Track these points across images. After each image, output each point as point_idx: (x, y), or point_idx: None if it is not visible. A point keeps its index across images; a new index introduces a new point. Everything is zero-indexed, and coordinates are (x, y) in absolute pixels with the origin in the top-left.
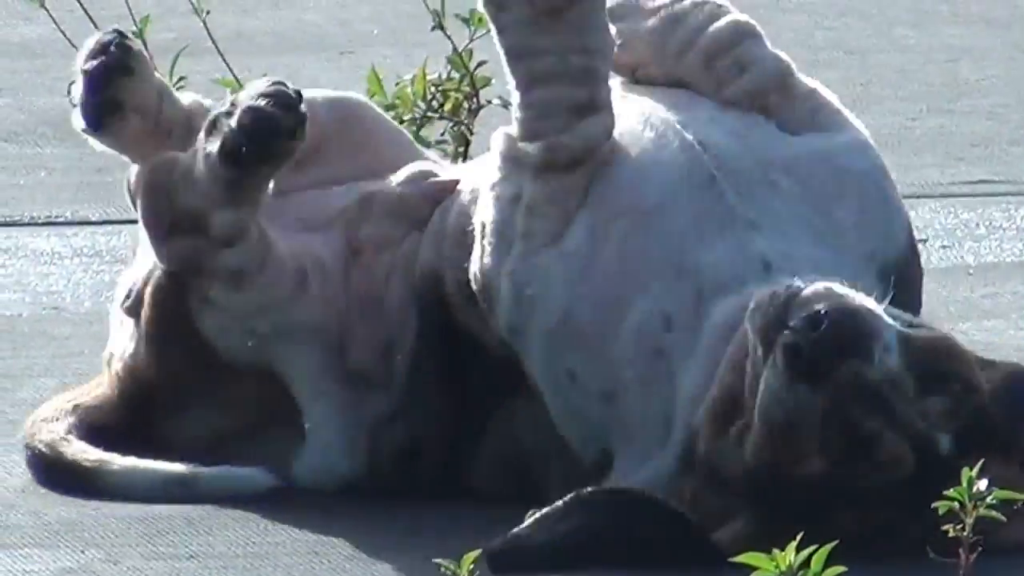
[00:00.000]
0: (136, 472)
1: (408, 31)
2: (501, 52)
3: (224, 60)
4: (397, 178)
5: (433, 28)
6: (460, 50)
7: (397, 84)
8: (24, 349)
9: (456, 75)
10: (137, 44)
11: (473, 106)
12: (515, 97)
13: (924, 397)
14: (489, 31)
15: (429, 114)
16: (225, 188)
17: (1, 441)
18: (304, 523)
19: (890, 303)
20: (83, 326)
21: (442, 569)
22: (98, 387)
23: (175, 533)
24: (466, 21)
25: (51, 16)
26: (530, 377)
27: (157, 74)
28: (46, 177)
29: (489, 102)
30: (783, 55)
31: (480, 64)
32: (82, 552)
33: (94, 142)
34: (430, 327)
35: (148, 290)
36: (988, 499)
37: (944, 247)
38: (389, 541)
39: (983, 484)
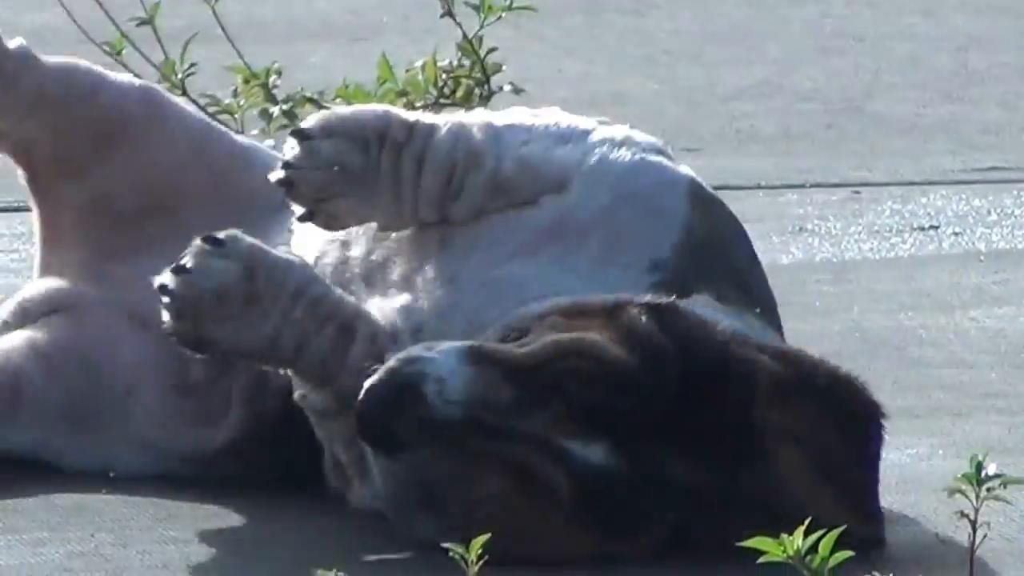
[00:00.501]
0: None
1: (418, 18)
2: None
3: (234, 47)
4: None
5: (443, 15)
6: (471, 37)
7: (408, 71)
8: None
9: (467, 62)
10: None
11: (484, 92)
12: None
13: (538, 408)
14: (500, 17)
15: (441, 101)
16: None
17: None
18: (315, 508)
19: (694, 270)
20: None
21: (450, 553)
22: None
23: (185, 517)
24: (476, 8)
25: (62, 3)
26: None
27: None
28: None
29: (500, 88)
30: (482, 137)
31: (491, 51)
32: (91, 536)
33: None
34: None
35: None
36: (996, 483)
37: (955, 234)
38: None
39: (991, 468)
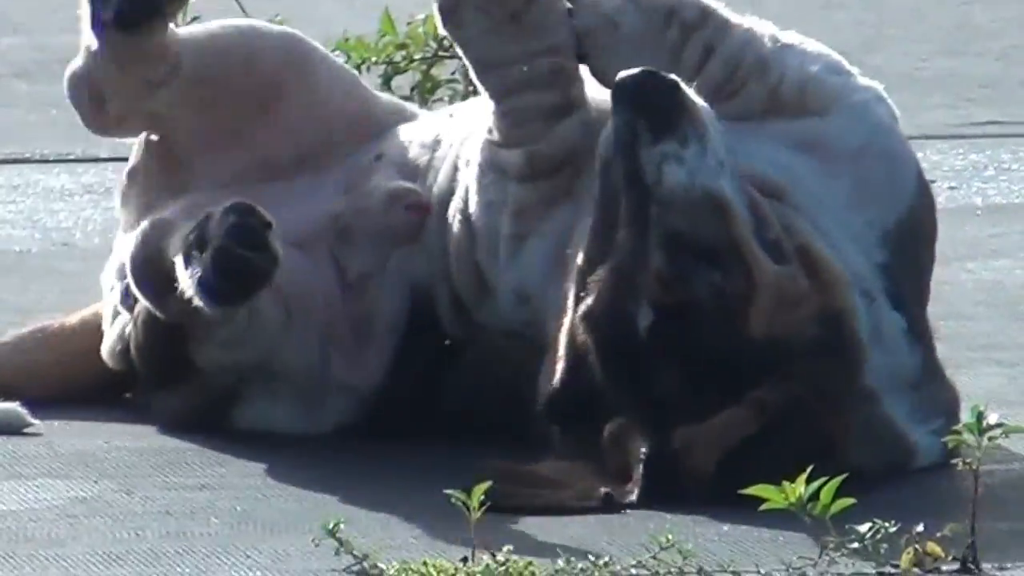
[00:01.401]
0: None
1: None
2: (469, 67)
3: (237, 0)
4: (377, 199)
5: None
6: None
7: (409, 24)
8: (34, 284)
9: None
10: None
11: None
12: (490, 107)
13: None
14: None
15: (440, 54)
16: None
17: None
18: (315, 457)
19: (902, 256)
20: (93, 262)
21: (452, 500)
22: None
23: (188, 464)
24: None
25: None
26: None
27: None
28: (57, 114)
29: None
30: (770, 47)
31: None
32: (95, 483)
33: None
34: (419, 338)
35: (138, 311)
36: (997, 432)
37: (952, 188)
38: (401, 474)
39: (993, 418)
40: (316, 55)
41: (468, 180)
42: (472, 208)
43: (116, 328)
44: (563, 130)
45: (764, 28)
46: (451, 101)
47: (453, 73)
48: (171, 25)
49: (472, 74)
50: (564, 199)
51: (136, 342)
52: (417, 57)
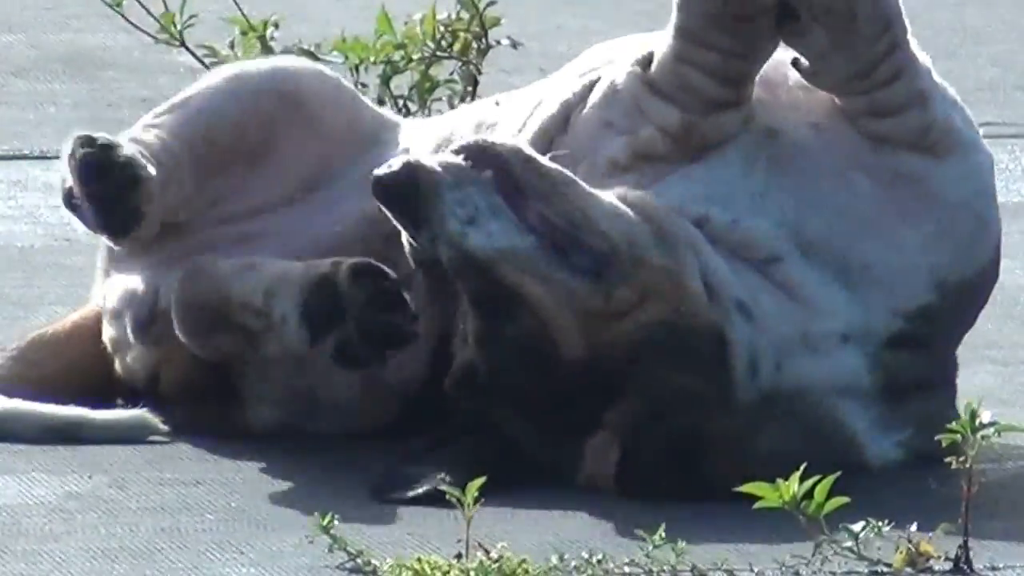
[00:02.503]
0: (15, 415)
1: None
2: (671, 23)
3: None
4: None
5: None
6: None
7: (406, 23)
8: (37, 279)
9: (465, 15)
10: (118, 142)
11: (482, 46)
12: (663, 54)
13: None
14: None
15: (438, 54)
16: (323, 368)
17: None
18: (310, 453)
19: (950, 310)
20: (94, 257)
21: (447, 496)
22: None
23: (182, 459)
24: None
25: None
26: None
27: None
28: (56, 112)
29: (498, 42)
30: (929, 84)
31: (490, 3)
32: (89, 478)
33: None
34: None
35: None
36: (991, 431)
37: None
38: (395, 471)
39: (986, 416)
40: (304, 84)
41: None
42: (582, 112)
43: (135, 353)
44: (726, 119)
45: (922, 61)
46: (450, 101)
47: (452, 73)
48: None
49: (669, 29)
50: (674, 174)
51: (177, 373)
52: (415, 57)
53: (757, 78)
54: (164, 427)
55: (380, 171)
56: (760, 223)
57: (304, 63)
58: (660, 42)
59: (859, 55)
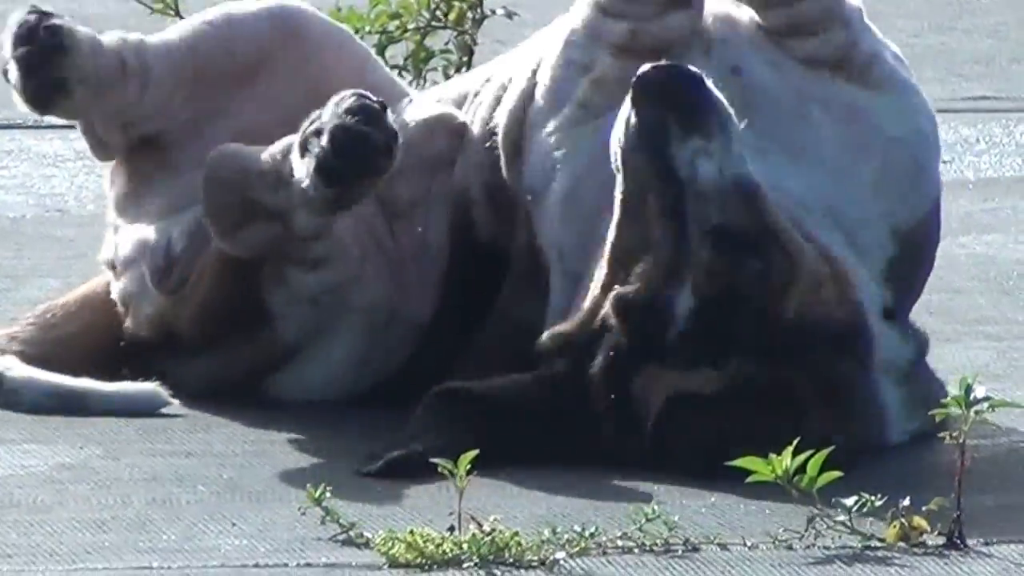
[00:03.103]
0: (29, 382)
1: None
2: None
3: None
4: (415, 130)
5: None
6: None
7: None
8: (28, 250)
9: None
10: (62, 18)
11: (477, 16)
12: None
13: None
14: None
15: (433, 23)
16: (323, 202)
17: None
18: (302, 426)
19: (905, 259)
20: (86, 228)
21: (439, 468)
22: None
23: (173, 431)
24: None
25: None
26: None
27: (81, 29)
28: None
29: (493, 12)
30: (857, 17)
31: None
32: (80, 448)
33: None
34: (460, 248)
35: (204, 265)
36: (985, 406)
37: (945, 162)
38: (387, 443)
39: (980, 392)
40: (305, 22)
41: (549, 39)
42: (548, 61)
43: (148, 301)
44: (675, 20)
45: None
46: (445, 71)
47: (447, 44)
48: (128, 38)
49: None
50: None
51: (199, 299)
52: (411, 27)
53: (714, 15)
54: (173, 400)
55: (657, 67)
56: (794, 185)
57: (315, 11)
58: None
59: None
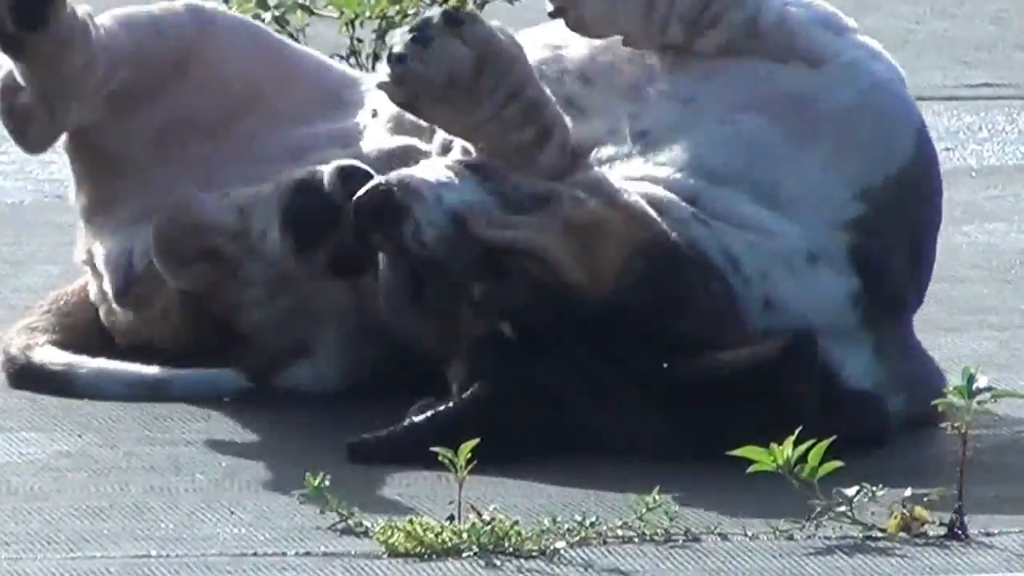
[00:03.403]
0: (104, 374)
1: None
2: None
3: None
4: (374, 160)
5: None
6: None
7: None
8: (27, 236)
9: None
10: None
11: (478, 1)
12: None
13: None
14: None
15: (436, 4)
16: (292, 262)
17: (3, 327)
18: (301, 414)
19: (888, 214)
20: None
21: (439, 457)
22: (86, 304)
23: (173, 419)
24: None
25: None
26: None
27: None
28: None
29: None
30: None
31: None
32: (79, 436)
33: None
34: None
35: (170, 292)
36: (987, 396)
37: (947, 150)
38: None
39: (982, 381)
40: (213, 13)
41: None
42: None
43: (117, 317)
44: (546, 159)
45: None
46: None
47: None
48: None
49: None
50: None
51: (172, 326)
52: (411, 12)
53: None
54: (246, 383)
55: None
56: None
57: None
58: None
59: None
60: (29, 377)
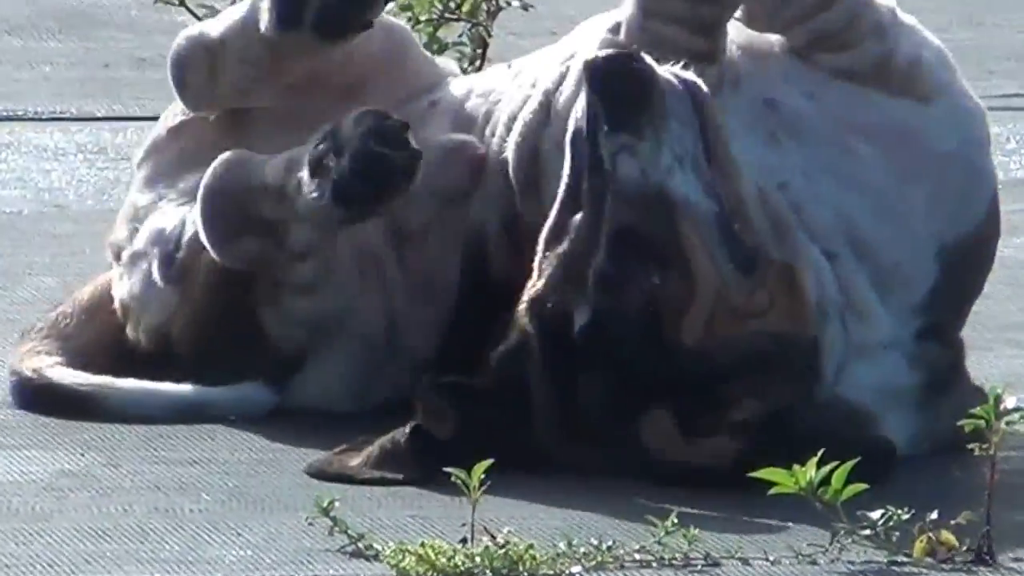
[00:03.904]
0: (139, 394)
1: None
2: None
3: None
4: (434, 153)
5: None
6: None
7: None
8: (25, 247)
9: None
10: None
11: (491, 8)
12: (629, 14)
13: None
14: None
15: (447, 15)
16: (328, 220)
17: (0, 341)
18: (309, 433)
19: (952, 277)
20: (85, 224)
21: (452, 478)
22: (88, 324)
23: (176, 438)
24: None
25: None
26: None
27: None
28: (51, 71)
29: (508, 3)
30: (889, 17)
31: None
32: (82, 455)
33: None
34: (471, 285)
35: (201, 268)
36: (1015, 417)
37: None
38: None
39: (1010, 402)
40: (412, 44)
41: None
42: (569, 82)
43: (153, 304)
44: (700, 73)
45: (886, 1)
46: (459, 64)
47: (460, 36)
48: None
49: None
50: None
51: (193, 312)
52: (423, 19)
53: (743, 50)
54: (281, 399)
55: (609, 55)
56: (822, 212)
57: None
58: (625, 5)
59: None
60: (49, 398)
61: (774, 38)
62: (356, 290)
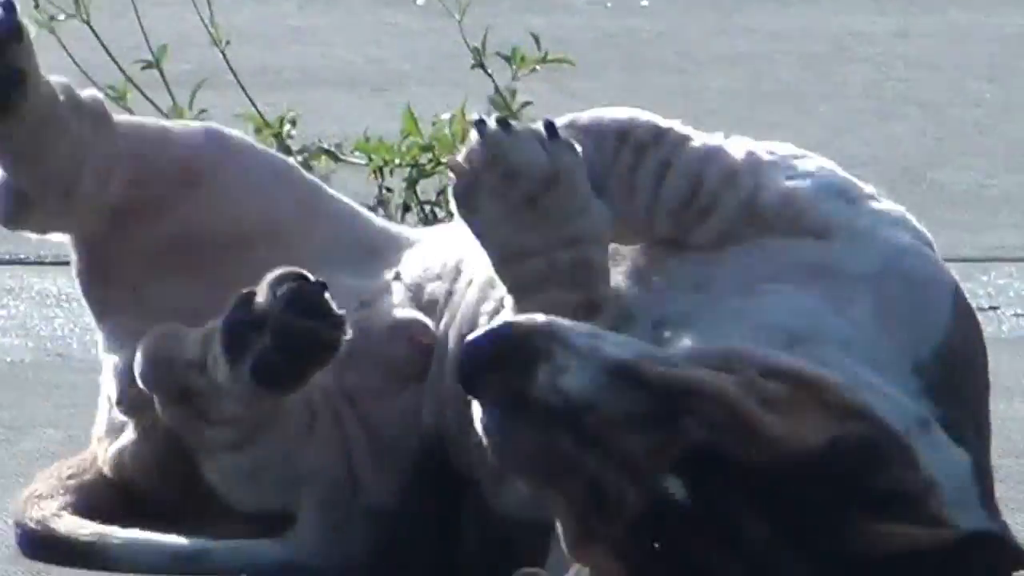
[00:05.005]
0: (140, 545)
1: (444, 69)
2: (487, 259)
3: (246, 94)
4: (381, 326)
5: (473, 66)
6: (502, 89)
7: (434, 124)
8: (27, 398)
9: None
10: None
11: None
12: (508, 302)
13: (630, 432)
14: (534, 70)
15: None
16: (251, 398)
17: (2, 495)
18: None
19: (943, 386)
20: (90, 374)
21: None
22: (93, 463)
23: None
24: (508, 59)
25: (63, 46)
26: None
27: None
28: None
29: None
30: (742, 159)
31: (525, 105)
32: None
33: None
34: (428, 473)
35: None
36: None
37: (1017, 315)
38: None
39: None
40: (235, 140)
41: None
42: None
43: (124, 436)
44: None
45: (739, 143)
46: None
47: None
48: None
49: (490, 268)
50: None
51: (149, 460)
52: (444, 160)
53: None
54: (290, 555)
55: (470, 339)
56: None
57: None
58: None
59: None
60: (51, 549)
61: (645, 248)
62: (303, 442)
